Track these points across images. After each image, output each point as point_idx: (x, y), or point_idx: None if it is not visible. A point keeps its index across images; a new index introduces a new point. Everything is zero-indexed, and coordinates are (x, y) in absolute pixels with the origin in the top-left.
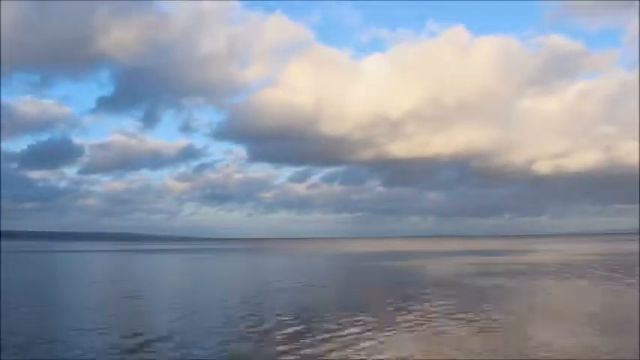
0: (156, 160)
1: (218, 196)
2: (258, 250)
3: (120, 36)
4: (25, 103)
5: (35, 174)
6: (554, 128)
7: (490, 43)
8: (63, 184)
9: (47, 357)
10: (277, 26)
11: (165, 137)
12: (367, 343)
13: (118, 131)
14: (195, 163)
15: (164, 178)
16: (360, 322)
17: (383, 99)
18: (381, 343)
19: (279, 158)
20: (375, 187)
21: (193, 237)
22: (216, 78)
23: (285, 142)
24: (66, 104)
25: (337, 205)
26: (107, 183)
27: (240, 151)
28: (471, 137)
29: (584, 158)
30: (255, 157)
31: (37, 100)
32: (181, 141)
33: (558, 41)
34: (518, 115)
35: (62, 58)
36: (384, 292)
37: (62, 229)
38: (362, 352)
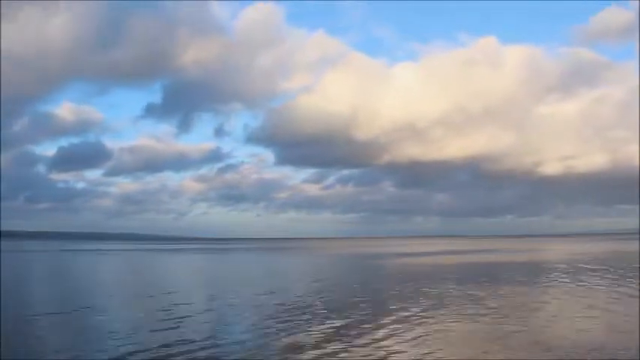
0: (180, 163)
1: (232, 196)
2: (260, 250)
3: (194, 54)
4: (64, 109)
5: (61, 176)
6: (567, 132)
7: (517, 52)
8: (81, 185)
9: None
10: (319, 42)
11: (199, 141)
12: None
13: (150, 135)
14: (218, 166)
15: (184, 179)
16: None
17: (411, 106)
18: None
19: (303, 161)
20: (387, 188)
21: (198, 237)
22: (258, 87)
23: (313, 146)
24: (115, 111)
25: (346, 205)
26: (123, 184)
27: (268, 154)
28: (487, 141)
29: (591, 160)
30: (282, 160)
31: (76, 107)
32: (209, 144)
33: (582, 54)
34: (535, 121)
35: (135, 74)
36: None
37: (66, 230)
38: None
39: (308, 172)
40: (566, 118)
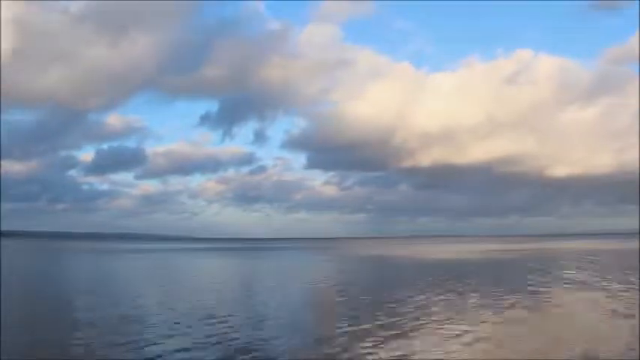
0: (210, 166)
1: (248, 197)
2: (256, 250)
3: (269, 73)
4: (112, 118)
5: (90, 179)
6: (582, 137)
7: (549, 63)
8: (104, 187)
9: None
10: (367, 55)
11: (240, 146)
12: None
13: (190, 141)
14: (246, 169)
15: (207, 182)
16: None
17: (442, 113)
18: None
19: (332, 165)
20: (402, 190)
21: (206, 237)
22: (309, 98)
23: (345, 151)
24: (172, 120)
25: (355, 206)
26: (145, 186)
27: (300, 158)
28: (507, 146)
29: (600, 163)
30: (314, 164)
31: (123, 116)
32: (242, 148)
33: (613, 69)
34: (556, 127)
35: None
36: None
37: (73, 230)
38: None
39: (329, 175)
40: (583, 124)
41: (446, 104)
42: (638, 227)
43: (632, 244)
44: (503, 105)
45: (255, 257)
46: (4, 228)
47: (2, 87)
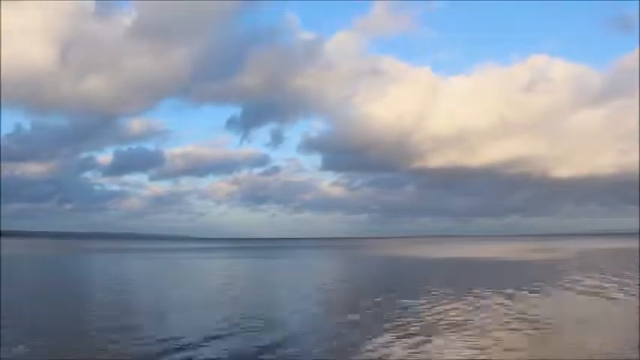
0: (223, 167)
1: (257, 198)
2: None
3: (294, 80)
4: (135, 121)
5: (103, 180)
6: (589, 139)
7: (562, 69)
8: (114, 188)
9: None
10: (389, 63)
11: (256, 147)
12: None
13: (209, 143)
14: (259, 170)
15: (217, 183)
16: None
17: (456, 115)
18: None
19: (346, 167)
20: (408, 191)
21: (211, 237)
22: (331, 103)
23: (359, 152)
24: (200, 123)
25: (359, 206)
26: (154, 187)
27: (314, 160)
28: (516, 149)
29: (606, 164)
30: (328, 165)
31: (145, 119)
32: (256, 150)
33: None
34: (564, 129)
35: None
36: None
37: (75, 230)
38: None
39: (339, 176)
40: (593, 127)
41: (459, 107)
42: (638, 227)
43: (633, 244)
44: (516, 108)
45: (262, 257)
46: (11, 228)
47: (46, 93)
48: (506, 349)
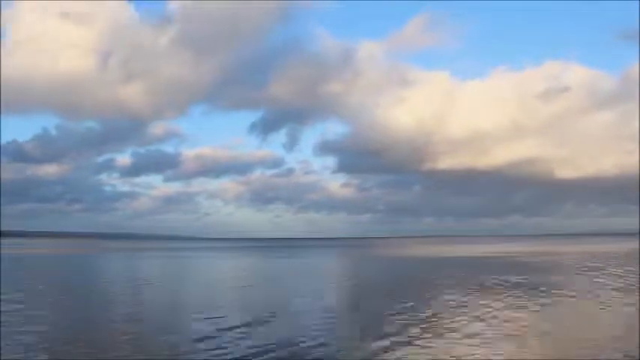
0: (237, 169)
1: (265, 198)
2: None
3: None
4: (158, 125)
5: (117, 180)
6: (597, 141)
7: (575, 74)
8: (125, 188)
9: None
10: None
11: (272, 150)
12: None
13: (225, 145)
14: (273, 172)
15: (227, 183)
16: None
17: (469, 119)
18: None
19: (359, 168)
20: (414, 192)
21: (216, 237)
22: (352, 108)
23: (372, 154)
24: (224, 127)
25: (366, 207)
26: (161, 187)
27: (329, 161)
28: (525, 151)
29: (609, 164)
30: (342, 167)
31: (168, 123)
32: (272, 152)
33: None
34: (573, 131)
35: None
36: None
37: (79, 230)
38: None
39: (349, 177)
40: (602, 128)
41: (473, 111)
42: (638, 227)
43: (632, 244)
44: (528, 112)
45: (266, 256)
46: (19, 228)
47: (86, 99)
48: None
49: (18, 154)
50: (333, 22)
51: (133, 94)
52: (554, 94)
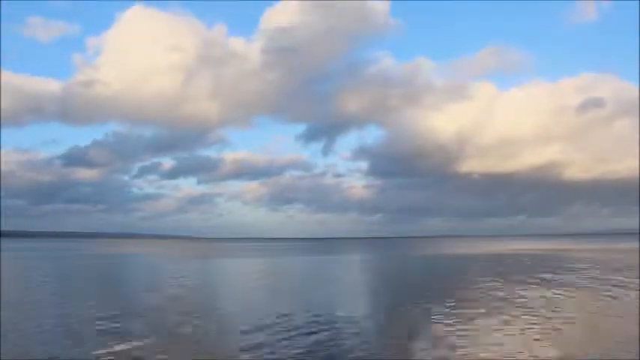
0: (266, 172)
1: (284, 199)
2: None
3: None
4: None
5: (143, 183)
6: (609, 143)
7: (609, 84)
8: (149, 190)
9: None
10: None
11: (306, 154)
12: None
13: (262, 150)
14: (299, 173)
15: (248, 185)
16: None
17: (503, 126)
18: None
19: (390, 173)
20: (430, 194)
21: (229, 237)
22: (392, 117)
23: (405, 159)
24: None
25: (377, 208)
26: (186, 189)
27: (362, 165)
28: (547, 156)
29: (616, 167)
30: (372, 172)
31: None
32: (302, 155)
33: None
34: (591, 134)
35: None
36: None
37: (80, 230)
38: None
39: (374, 180)
40: (615, 133)
41: (506, 118)
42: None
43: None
44: (558, 120)
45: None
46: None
47: (173, 113)
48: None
49: (73, 158)
50: (397, 46)
51: (207, 106)
52: (584, 104)
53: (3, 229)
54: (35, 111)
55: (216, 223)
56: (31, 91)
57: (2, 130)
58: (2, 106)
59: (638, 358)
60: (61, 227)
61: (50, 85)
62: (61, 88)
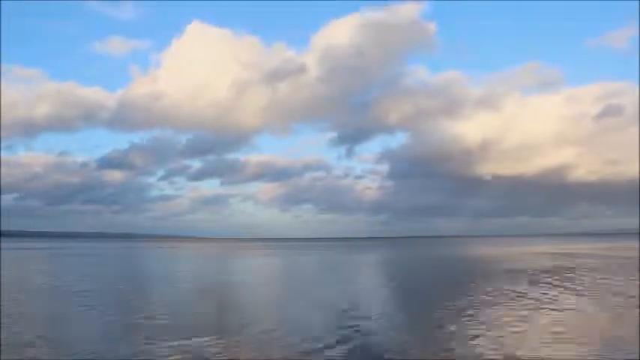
0: (287, 173)
1: (296, 200)
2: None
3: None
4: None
5: (165, 184)
6: (621, 147)
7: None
8: (169, 191)
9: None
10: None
11: (328, 157)
12: None
13: (290, 154)
14: (316, 175)
15: (262, 185)
16: None
17: (522, 131)
18: None
19: (409, 175)
20: (438, 195)
21: (238, 237)
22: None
23: (425, 163)
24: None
25: (389, 207)
26: (201, 190)
27: (382, 168)
28: (560, 159)
29: (621, 169)
30: (392, 175)
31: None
32: (326, 158)
33: None
34: (605, 139)
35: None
36: None
37: (84, 230)
38: None
39: (388, 182)
40: (625, 136)
41: (527, 124)
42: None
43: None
44: (574, 125)
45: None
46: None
47: (218, 122)
48: None
49: (107, 161)
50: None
51: (251, 116)
52: (603, 112)
53: (3, 229)
54: (87, 118)
55: (224, 223)
56: (87, 100)
57: (53, 136)
58: (56, 113)
59: (638, 358)
60: (65, 228)
61: (103, 94)
62: (115, 98)
